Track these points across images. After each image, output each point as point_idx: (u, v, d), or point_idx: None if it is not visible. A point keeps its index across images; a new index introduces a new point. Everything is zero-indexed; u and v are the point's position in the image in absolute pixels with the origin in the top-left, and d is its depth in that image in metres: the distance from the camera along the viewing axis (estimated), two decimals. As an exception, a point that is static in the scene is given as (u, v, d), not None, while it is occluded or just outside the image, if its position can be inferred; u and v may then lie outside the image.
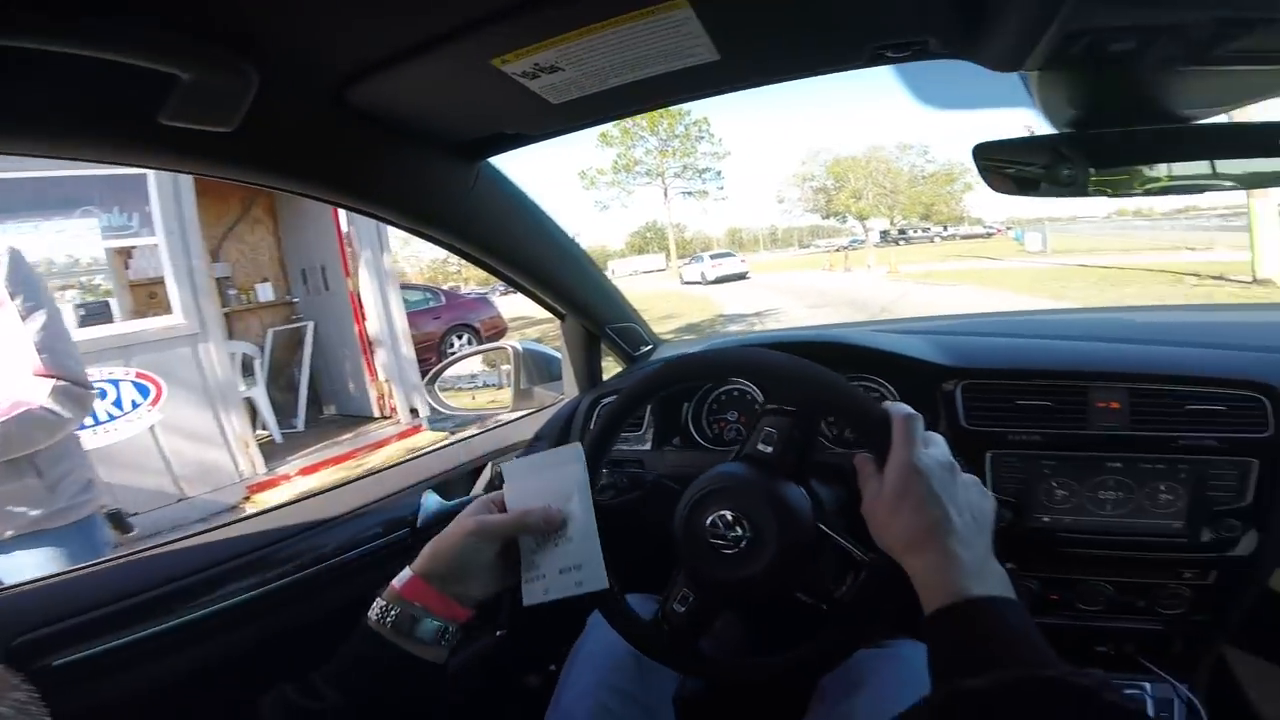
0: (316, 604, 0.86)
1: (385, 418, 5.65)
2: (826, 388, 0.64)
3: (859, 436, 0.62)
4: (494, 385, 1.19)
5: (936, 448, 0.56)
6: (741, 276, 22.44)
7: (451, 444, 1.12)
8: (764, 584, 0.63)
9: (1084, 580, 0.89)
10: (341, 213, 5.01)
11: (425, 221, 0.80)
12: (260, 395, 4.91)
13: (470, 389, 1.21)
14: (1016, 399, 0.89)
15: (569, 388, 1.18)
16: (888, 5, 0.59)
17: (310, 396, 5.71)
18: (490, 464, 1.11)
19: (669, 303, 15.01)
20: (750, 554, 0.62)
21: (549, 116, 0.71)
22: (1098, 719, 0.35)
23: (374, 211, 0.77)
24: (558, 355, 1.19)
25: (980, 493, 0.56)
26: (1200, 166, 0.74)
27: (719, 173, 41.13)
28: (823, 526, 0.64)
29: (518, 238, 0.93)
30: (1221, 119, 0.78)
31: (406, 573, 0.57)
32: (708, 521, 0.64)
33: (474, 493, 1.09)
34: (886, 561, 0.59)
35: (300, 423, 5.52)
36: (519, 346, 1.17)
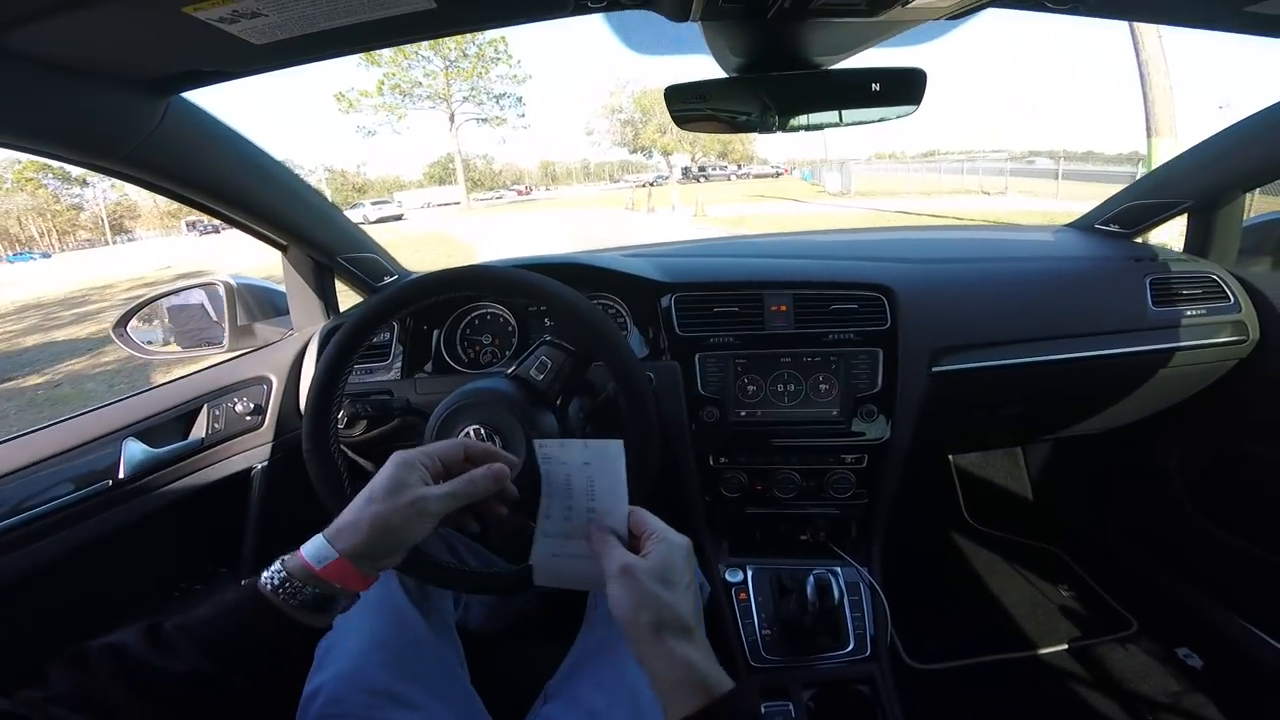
0: (12, 561, 0.77)
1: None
2: (608, 339, 0.68)
3: (620, 391, 0.67)
4: (204, 323, 1.06)
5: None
6: (397, 218, 26.40)
7: (157, 387, 0.99)
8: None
9: (779, 469, 1.07)
10: None
11: (104, 159, 0.72)
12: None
13: (177, 329, 1.07)
14: (715, 307, 1.05)
15: (298, 321, 1.11)
16: None
17: None
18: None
19: (445, 245, 12.95)
20: None
21: (251, 56, 0.66)
22: None
23: (44, 150, 0.68)
24: (282, 289, 1.09)
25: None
26: (845, 106, 0.90)
27: (519, 98, 36.03)
28: None
29: (220, 171, 0.86)
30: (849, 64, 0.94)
31: (327, 550, 0.50)
32: (460, 432, 0.66)
33: (193, 435, 0.98)
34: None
35: None
36: (233, 281, 1.06)
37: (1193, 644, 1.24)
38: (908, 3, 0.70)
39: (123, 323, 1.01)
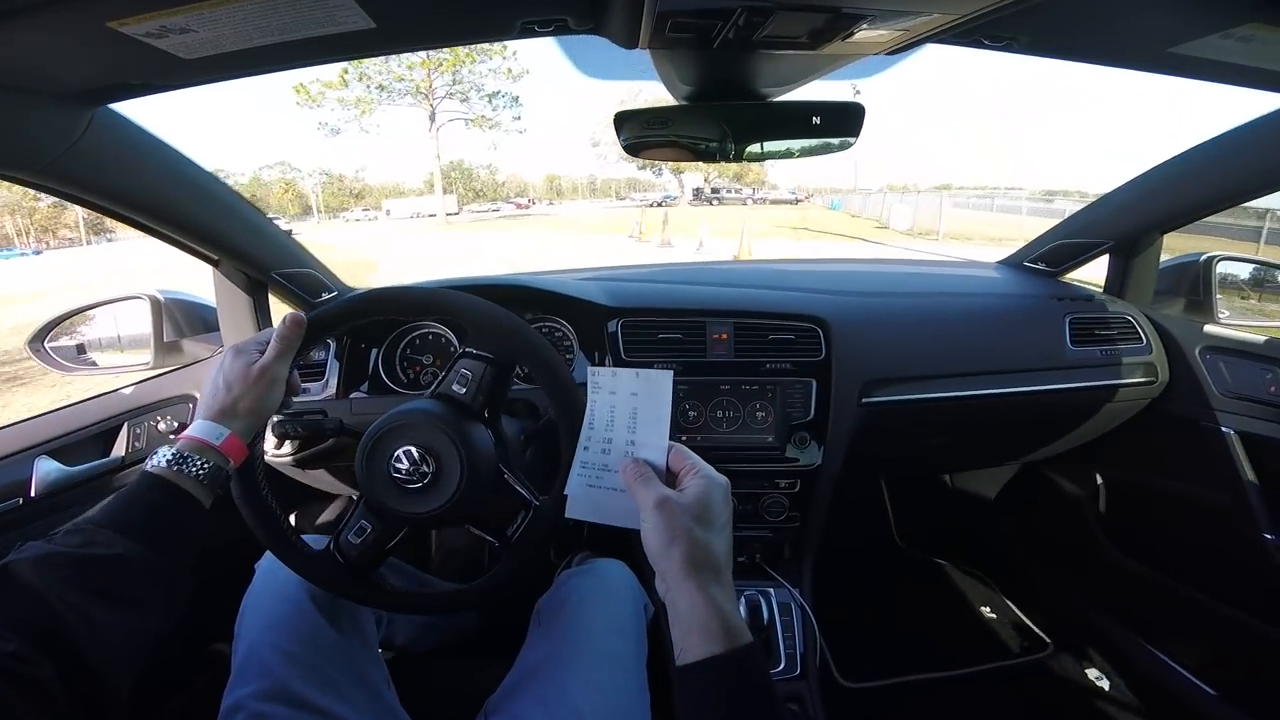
0: None
1: None
2: (524, 339, 0.67)
3: (548, 392, 0.66)
4: (127, 339, 1.02)
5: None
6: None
7: (76, 404, 0.95)
8: (444, 518, 0.66)
9: None
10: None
11: (19, 170, 0.70)
12: None
13: (100, 345, 1.02)
14: (659, 333, 1.06)
15: (228, 337, 1.08)
16: None
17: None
18: (128, 424, 0.97)
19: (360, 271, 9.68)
20: (433, 489, 0.65)
21: (181, 70, 0.64)
22: None
23: None
24: (213, 304, 1.06)
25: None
26: (789, 138, 0.92)
27: (515, 98, 30.24)
28: (503, 468, 0.69)
29: (146, 184, 0.84)
30: (792, 97, 0.96)
31: (219, 430, 0.59)
32: (392, 456, 0.65)
33: (116, 454, 0.95)
34: (551, 505, 0.66)
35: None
36: (160, 296, 1.02)
37: (1102, 666, 1.30)
38: (847, 38, 0.72)
39: (40, 337, 0.97)
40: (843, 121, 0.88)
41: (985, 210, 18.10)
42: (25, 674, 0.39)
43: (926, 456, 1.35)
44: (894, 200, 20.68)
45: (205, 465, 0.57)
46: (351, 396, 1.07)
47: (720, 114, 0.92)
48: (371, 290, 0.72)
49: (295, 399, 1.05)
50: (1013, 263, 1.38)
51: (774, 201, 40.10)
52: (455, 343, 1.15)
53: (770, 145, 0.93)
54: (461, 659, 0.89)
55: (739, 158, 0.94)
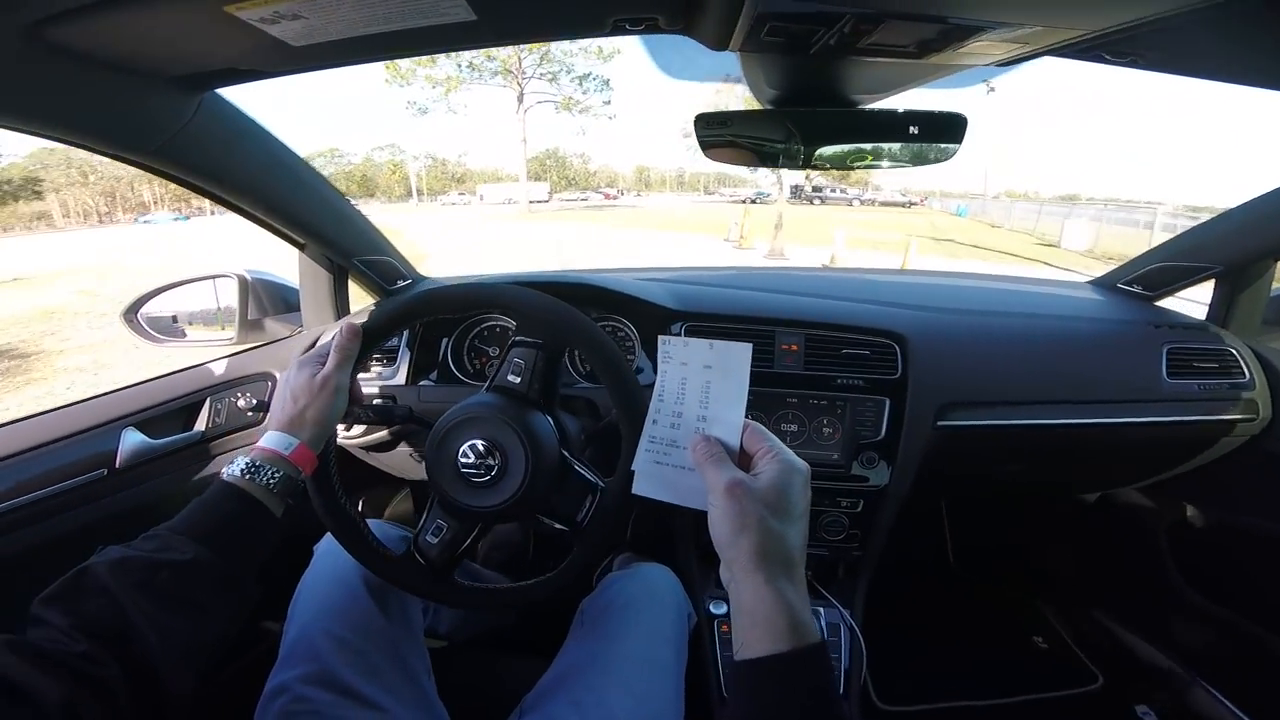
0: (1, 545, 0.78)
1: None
2: (572, 322, 0.67)
3: (599, 370, 0.66)
4: (215, 316, 1.06)
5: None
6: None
7: (163, 376, 0.99)
8: (514, 510, 0.67)
9: None
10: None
11: (133, 152, 0.72)
12: None
13: (189, 320, 1.07)
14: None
15: (308, 319, 1.11)
16: None
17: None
18: (209, 398, 1.01)
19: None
20: (500, 481, 0.66)
21: (288, 57, 0.66)
22: None
23: (73, 141, 0.67)
24: (295, 286, 1.09)
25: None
26: (881, 145, 0.89)
27: (605, 81, 27.42)
28: (566, 454, 0.70)
29: (247, 168, 0.86)
30: (885, 105, 0.92)
31: (289, 440, 0.61)
32: (458, 451, 0.66)
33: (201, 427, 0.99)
34: (618, 485, 0.66)
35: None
36: (248, 275, 1.05)
37: (1152, 703, 1.25)
38: (959, 48, 0.68)
39: (134, 309, 1.01)
40: (944, 131, 0.84)
41: (1128, 225, 14.04)
42: (93, 674, 0.41)
43: (998, 482, 1.30)
44: (1058, 212, 17.62)
45: (276, 475, 0.59)
46: (420, 384, 1.09)
47: (808, 119, 0.89)
48: (418, 293, 0.72)
49: (364, 381, 1.10)
50: (1105, 283, 1.30)
51: (883, 204, 36.74)
52: None
53: (852, 152, 0.89)
54: (499, 653, 0.91)
55: (808, 164, 0.91)
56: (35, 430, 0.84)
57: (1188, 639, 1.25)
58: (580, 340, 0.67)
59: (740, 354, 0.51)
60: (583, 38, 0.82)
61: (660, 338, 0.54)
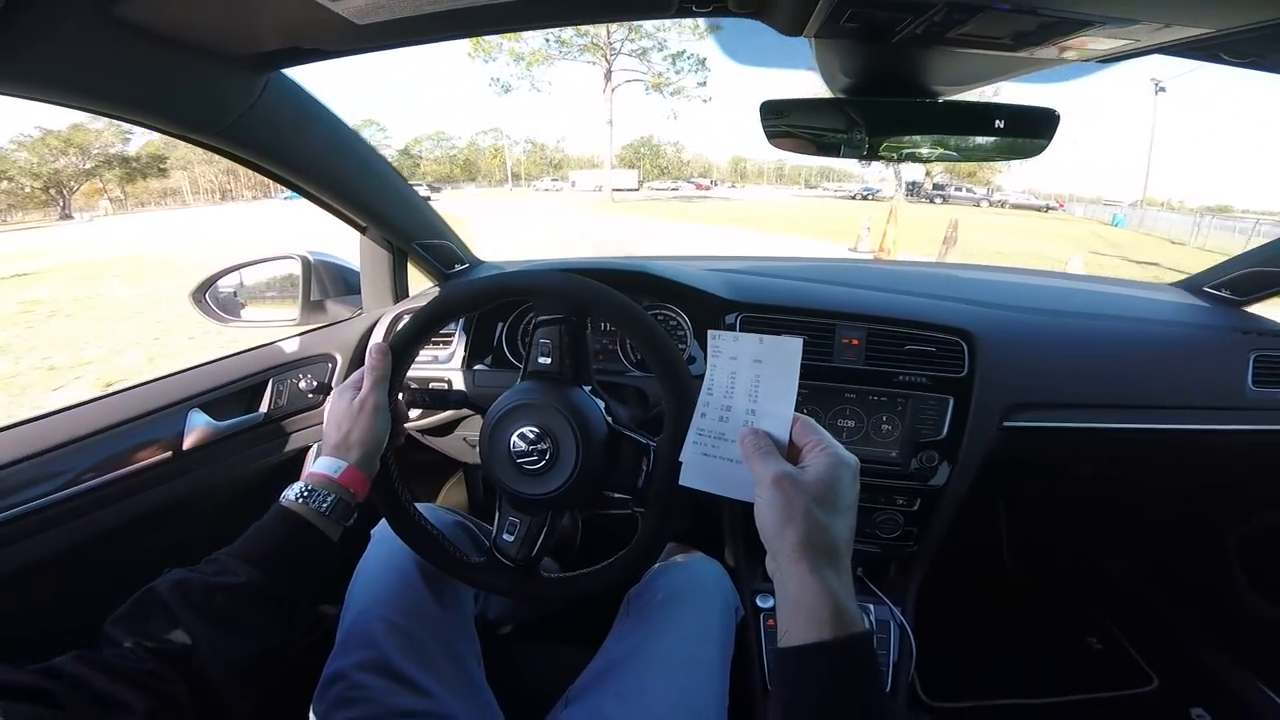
0: (73, 529, 0.79)
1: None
2: (587, 291, 0.66)
3: (628, 333, 0.66)
4: (279, 296, 1.08)
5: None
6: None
7: (228, 357, 1.01)
8: (575, 489, 0.66)
9: None
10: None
11: (201, 132, 0.73)
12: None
13: (252, 299, 1.09)
14: (782, 332, 1.02)
15: (368, 302, 1.12)
16: None
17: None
18: (273, 379, 1.03)
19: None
20: (555, 465, 0.66)
21: (352, 36, 0.65)
22: None
23: (142, 121, 0.68)
24: (356, 268, 1.10)
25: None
26: (960, 138, 0.85)
27: (702, 61, 24.28)
28: (610, 422, 0.69)
29: (311, 150, 0.87)
30: (966, 97, 0.88)
31: (338, 464, 0.62)
32: (509, 442, 0.67)
33: (266, 408, 1.01)
34: (669, 443, 0.63)
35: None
36: (310, 256, 1.07)
37: (1208, 705, 1.21)
38: (1061, 42, 0.64)
39: (202, 289, 1.04)
40: (1034, 127, 0.79)
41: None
42: (163, 691, 0.44)
43: (1063, 484, 1.26)
44: (1224, 226, 15.14)
45: (328, 498, 0.60)
46: (475, 368, 1.09)
47: (886, 110, 0.85)
48: (435, 298, 0.72)
49: (420, 365, 1.10)
50: (1190, 286, 1.24)
51: (1015, 206, 32.52)
52: None
53: (926, 143, 0.85)
54: (547, 641, 0.91)
55: (874, 155, 0.87)
56: (105, 411, 0.86)
57: (1250, 644, 1.21)
58: (598, 307, 0.67)
59: (791, 348, 0.51)
60: (647, 19, 0.80)
61: (710, 332, 0.54)
